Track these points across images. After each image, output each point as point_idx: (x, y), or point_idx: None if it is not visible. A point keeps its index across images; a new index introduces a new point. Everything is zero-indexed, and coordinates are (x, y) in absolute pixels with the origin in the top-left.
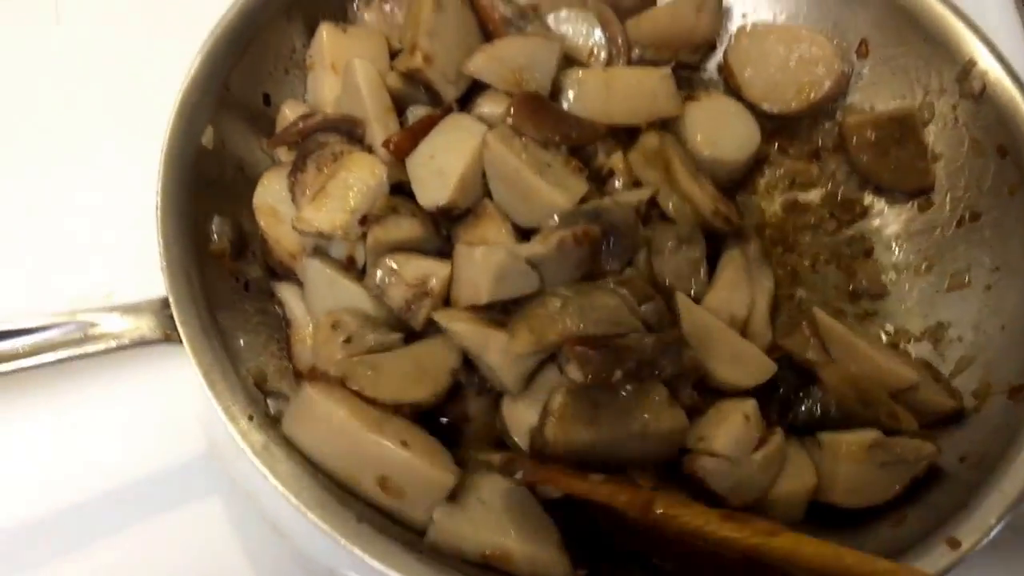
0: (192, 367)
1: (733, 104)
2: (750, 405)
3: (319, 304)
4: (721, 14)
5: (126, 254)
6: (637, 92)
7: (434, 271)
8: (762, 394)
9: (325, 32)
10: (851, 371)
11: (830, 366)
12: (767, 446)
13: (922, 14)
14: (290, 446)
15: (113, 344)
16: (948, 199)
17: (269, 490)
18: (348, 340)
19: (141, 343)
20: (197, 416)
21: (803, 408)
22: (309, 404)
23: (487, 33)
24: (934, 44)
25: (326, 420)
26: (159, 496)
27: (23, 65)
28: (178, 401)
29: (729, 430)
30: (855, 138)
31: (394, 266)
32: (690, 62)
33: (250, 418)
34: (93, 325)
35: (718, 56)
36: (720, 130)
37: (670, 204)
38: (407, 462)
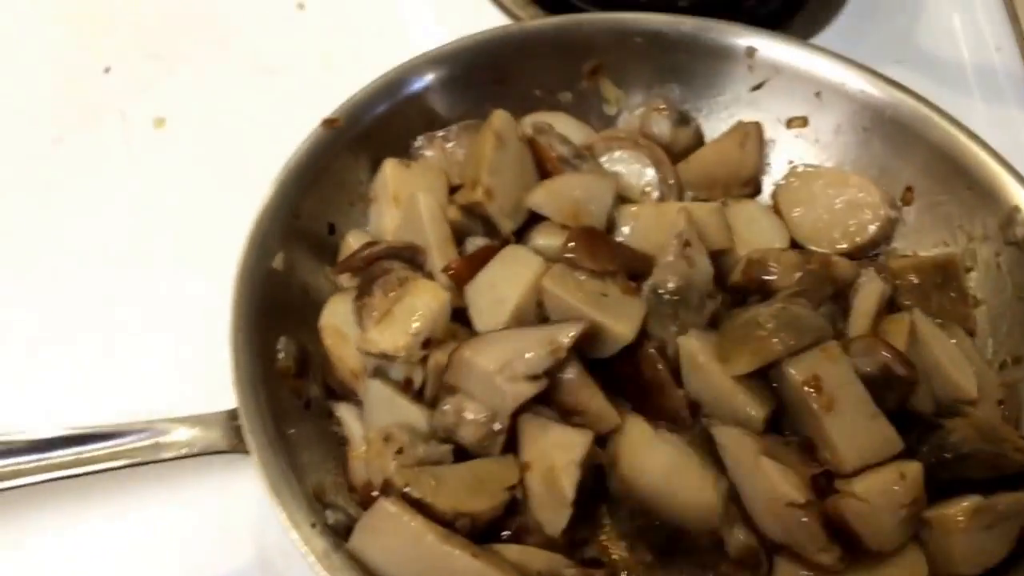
0: (257, 476)
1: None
2: (914, 467)
3: (376, 421)
4: (763, 147)
5: (188, 369)
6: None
7: None
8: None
9: (389, 167)
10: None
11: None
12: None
13: (967, 162)
14: (351, 557)
15: (184, 452)
16: (990, 343)
17: None
18: (400, 451)
19: (210, 452)
20: (247, 524)
21: (929, 448)
22: (383, 516)
23: (544, 171)
24: (978, 191)
25: (399, 532)
26: None
27: (99, 186)
28: (228, 509)
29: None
30: (898, 282)
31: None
32: (745, 195)
33: (312, 526)
34: (165, 432)
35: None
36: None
37: None
38: (480, 571)
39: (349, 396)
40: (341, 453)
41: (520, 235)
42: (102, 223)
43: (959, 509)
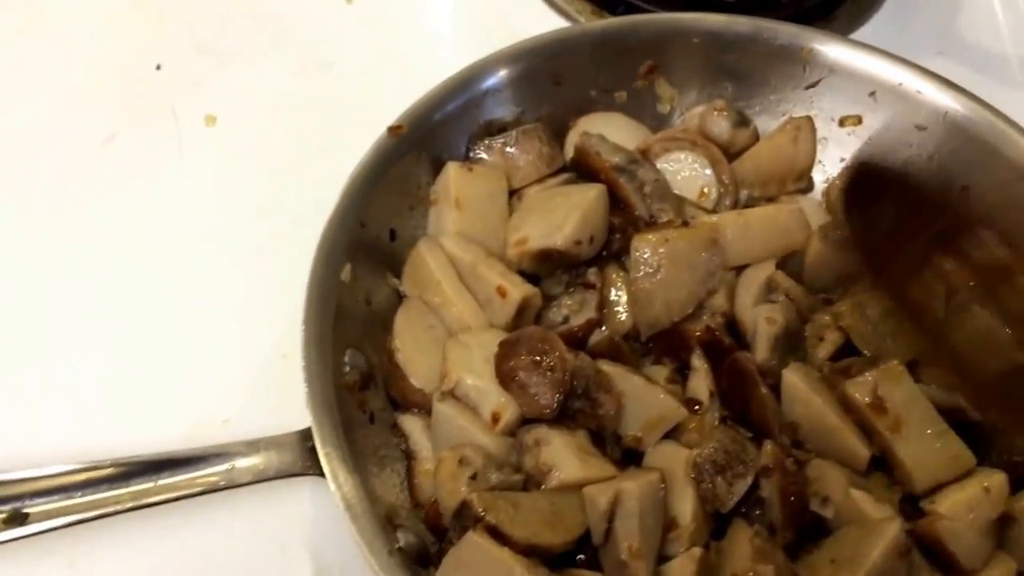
0: (335, 500)
1: None
2: (997, 478)
3: (444, 439)
4: (815, 140)
5: (253, 383)
6: (772, 229)
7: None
8: None
9: (452, 170)
10: None
11: None
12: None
13: None
14: None
15: (259, 476)
16: None
17: None
18: (474, 477)
19: (285, 475)
20: (307, 544)
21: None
22: (472, 549)
23: (598, 179)
24: None
25: (488, 565)
26: None
27: (150, 187)
28: (287, 530)
29: (963, 498)
30: None
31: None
32: (798, 190)
33: (390, 553)
34: (239, 456)
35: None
36: None
37: None
38: None
39: (413, 408)
40: (404, 468)
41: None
42: (154, 224)
43: None
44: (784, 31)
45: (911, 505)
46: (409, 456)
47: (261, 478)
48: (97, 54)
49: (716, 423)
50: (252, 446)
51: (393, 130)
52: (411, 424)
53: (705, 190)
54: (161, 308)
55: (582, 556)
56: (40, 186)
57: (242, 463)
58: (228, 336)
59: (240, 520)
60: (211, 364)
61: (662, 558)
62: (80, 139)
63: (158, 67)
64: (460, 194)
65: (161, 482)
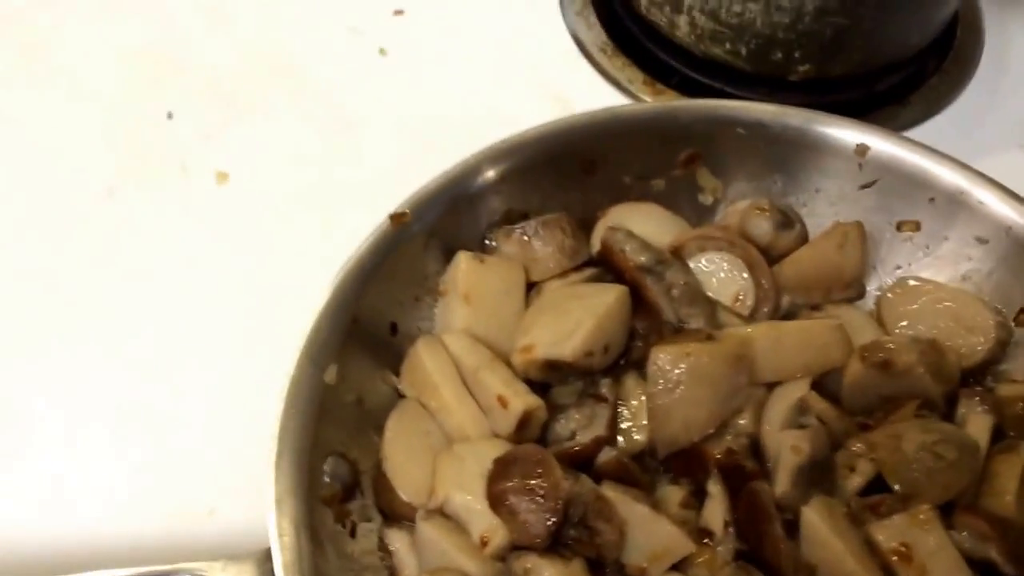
0: None
1: None
2: None
3: (427, 562)
4: (867, 249)
5: (232, 469)
6: (809, 345)
7: None
8: None
9: (463, 261)
10: None
11: None
12: None
13: None
14: None
15: None
16: None
17: None
18: None
19: None
20: None
21: None
22: None
23: (623, 280)
24: None
25: None
26: None
27: (151, 247)
28: None
29: None
30: (1007, 410)
31: None
32: (846, 298)
33: None
34: None
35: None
36: None
37: None
38: None
39: (404, 522)
40: None
41: None
42: (146, 293)
43: None
44: (835, 124)
45: None
46: (392, 574)
47: None
48: (105, 96)
49: (729, 559)
50: (209, 564)
51: (396, 218)
52: (398, 540)
53: (741, 295)
54: (147, 387)
55: None
56: (31, 241)
57: None
58: (210, 425)
59: None
60: (199, 448)
61: None
62: (79, 190)
63: (169, 115)
64: (470, 288)
65: None
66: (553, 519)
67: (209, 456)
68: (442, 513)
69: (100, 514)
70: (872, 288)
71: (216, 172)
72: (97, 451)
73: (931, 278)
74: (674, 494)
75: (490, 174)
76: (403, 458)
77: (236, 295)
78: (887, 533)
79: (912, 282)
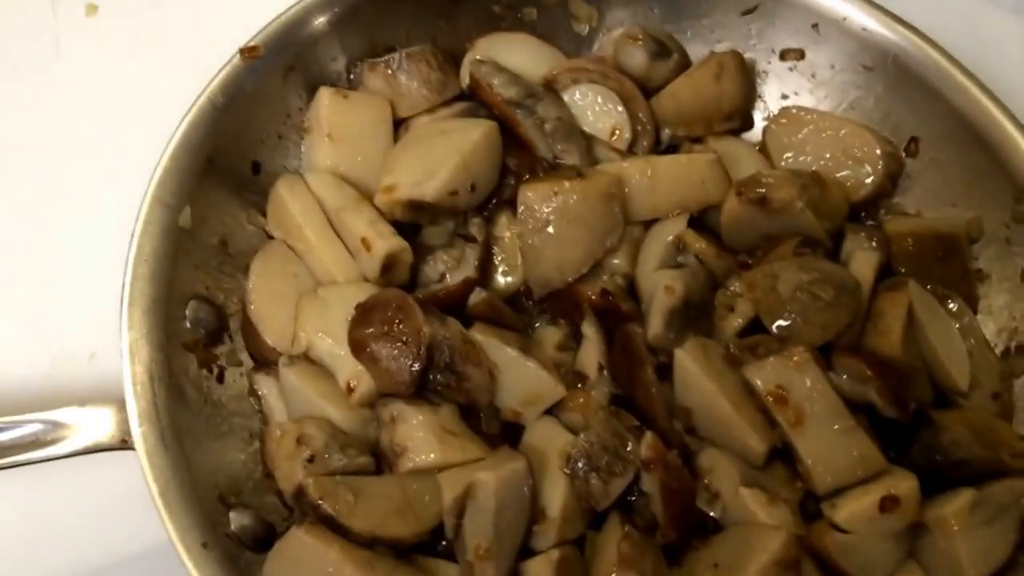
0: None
1: None
2: (907, 484)
3: (293, 408)
4: (749, 80)
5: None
6: (685, 181)
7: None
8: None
9: (325, 97)
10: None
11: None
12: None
13: (981, 120)
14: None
15: (66, 450)
16: (991, 325)
17: None
18: (311, 459)
19: (96, 450)
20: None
21: (919, 449)
22: (298, 545)
23: (494, 116)
24: (993, 156)
25: (315, 563)
26: None
27: (19, 81)
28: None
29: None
30: (895, 246)
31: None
32: (729, 130)
33: (204, 545)
34: (46, 427)
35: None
36: None
37: None
38: None
39: (273, 366)
40: (260, 434)
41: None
42: (20, 132)
43: (955, 507)
44: None
45: (816, 502)
46: (264, 421)
47: (70, 453)
48: None
49: (604, 403)
50: (59, 414)
51: (246, 52)
52: (266, 385)
53: (617, 130)
54: (25, 226)
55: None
56: None
57: (47, 435)
58: (65, 275)
59: (57, 491)
60: (80, 291)
61: (527, 551)
62: None
63: None
64: (334, 125)
65: None
66: (416, 365)
67: (92, 299)
68: (307, 358)
69: None
70: (760, 119)
71: (86, 4)
72: None
73: (817, 107)
74: (552, 335)
75: (349, 2)
76: (268, 301)
77: (101, 128)
78: (763, 375)
79: (796, 111)
